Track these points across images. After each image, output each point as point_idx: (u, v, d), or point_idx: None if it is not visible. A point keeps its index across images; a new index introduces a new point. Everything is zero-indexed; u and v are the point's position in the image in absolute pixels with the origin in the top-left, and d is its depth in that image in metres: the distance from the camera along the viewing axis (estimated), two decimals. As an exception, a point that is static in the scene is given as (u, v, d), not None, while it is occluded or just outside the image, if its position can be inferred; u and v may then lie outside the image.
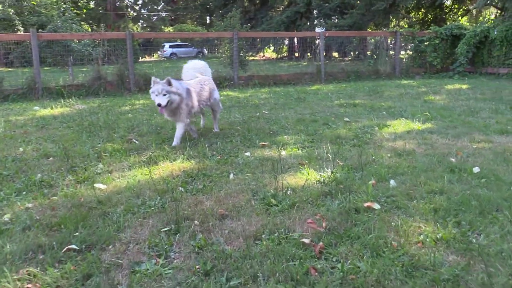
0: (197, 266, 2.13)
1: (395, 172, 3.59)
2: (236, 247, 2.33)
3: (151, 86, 4.68)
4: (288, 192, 3.09)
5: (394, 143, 4.75)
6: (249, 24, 28.10)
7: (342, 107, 7.71)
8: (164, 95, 4.61)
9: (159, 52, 37.15)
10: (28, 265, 2.16)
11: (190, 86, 5.11)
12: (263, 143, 4.83)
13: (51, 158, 4.38)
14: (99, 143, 5.01)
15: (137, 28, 43.68)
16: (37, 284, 2.01)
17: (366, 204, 2.82)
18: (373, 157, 4.11)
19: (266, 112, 7.18)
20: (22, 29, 21.69)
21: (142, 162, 4.21)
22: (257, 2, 37.19)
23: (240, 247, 2.32)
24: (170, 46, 37.27)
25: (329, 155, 4.17)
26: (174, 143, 4.83)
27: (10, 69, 14.01)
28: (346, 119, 6.32)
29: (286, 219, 2.66)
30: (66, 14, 21.09)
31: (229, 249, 2.29)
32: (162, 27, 47.59)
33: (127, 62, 11.58)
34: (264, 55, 32.05)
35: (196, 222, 2.61)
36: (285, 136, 5.20)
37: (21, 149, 4.82)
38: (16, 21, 21.65)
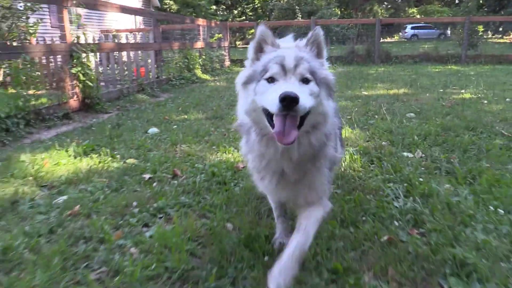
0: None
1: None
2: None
3: (256, 42, 1.72)
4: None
5: None
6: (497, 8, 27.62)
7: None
8: (306, 81, 1.56)
9: (400, 33, 39.35)
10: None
11: None
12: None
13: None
14: (359, 85, 9.02)
15: (381, 10, 46.50)
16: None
17: None
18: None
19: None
20: (300, 16, 28.18)
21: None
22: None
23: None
24: (412, 28, 38.78)
25: None
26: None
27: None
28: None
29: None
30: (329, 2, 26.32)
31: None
32: (406, 8, 48.93)
33: (374, 41, 15.52)
34: (512, 38, 30.74)
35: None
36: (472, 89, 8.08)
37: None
38: (296, 10, 28.38)
